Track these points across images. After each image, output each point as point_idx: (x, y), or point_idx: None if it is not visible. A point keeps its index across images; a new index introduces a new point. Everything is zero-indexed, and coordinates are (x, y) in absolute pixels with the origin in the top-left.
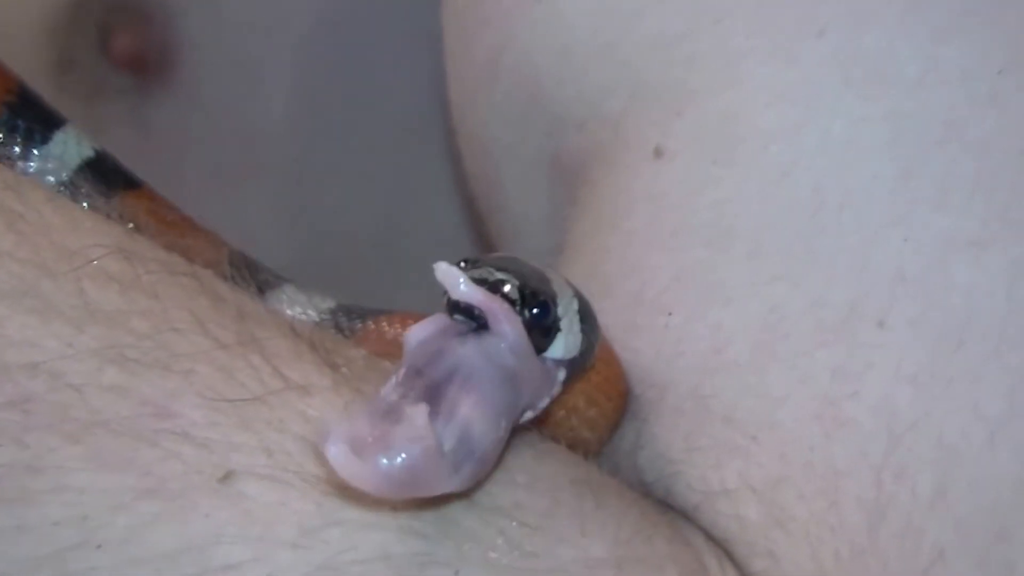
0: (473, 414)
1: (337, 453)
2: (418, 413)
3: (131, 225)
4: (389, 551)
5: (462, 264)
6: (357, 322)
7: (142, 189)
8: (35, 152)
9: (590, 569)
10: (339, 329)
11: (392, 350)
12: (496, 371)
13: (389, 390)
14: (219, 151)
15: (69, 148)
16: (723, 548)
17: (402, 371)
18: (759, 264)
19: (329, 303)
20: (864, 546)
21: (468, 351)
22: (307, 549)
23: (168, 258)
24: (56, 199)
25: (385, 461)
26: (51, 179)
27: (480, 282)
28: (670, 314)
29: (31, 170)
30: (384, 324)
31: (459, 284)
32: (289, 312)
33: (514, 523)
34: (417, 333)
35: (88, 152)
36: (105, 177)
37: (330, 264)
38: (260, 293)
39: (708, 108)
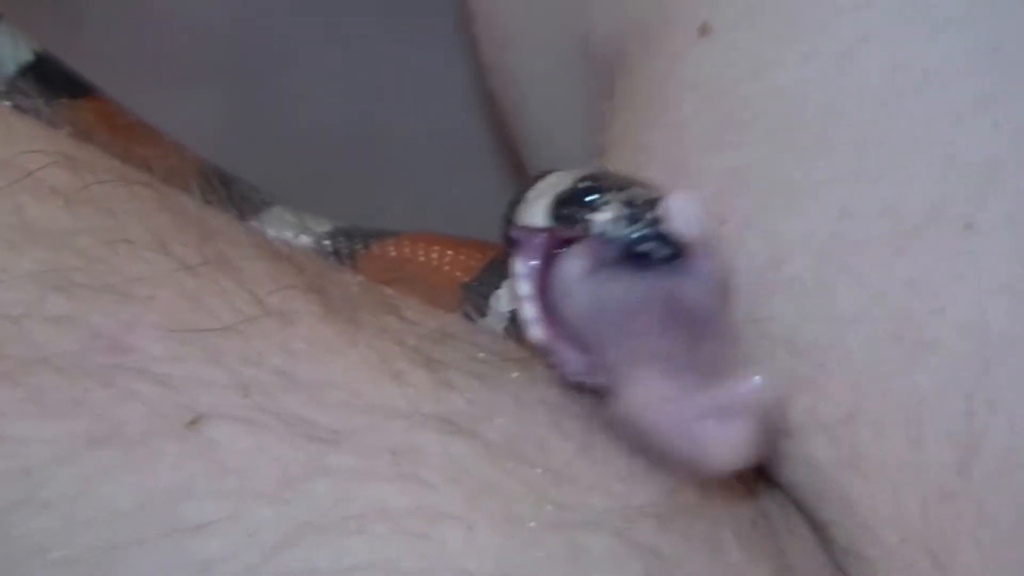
0: None
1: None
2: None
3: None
4: (388, 504)
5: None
6: (359, 246)
7: (92, 96)
8: None
9: (629, 521)
10: (338, 255)
11: (399, 276)
12: None
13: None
14: (161, 46)
15: (4, 51)
16: (788, 495)
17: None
18: (825, 160)
19: (325, 226)
20: (954, 488)
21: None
22: (290, 503)
23: (122, 168)
24: None
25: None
26: None
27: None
28: (721, 223)
29: None
30: (390, 247)
31: (698, 219)
32: (280, 239)
33: (538, 470)
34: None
35: (26, 55)
36: (48, 82)
37: (300, 179)
38: (240, 216)
39: None
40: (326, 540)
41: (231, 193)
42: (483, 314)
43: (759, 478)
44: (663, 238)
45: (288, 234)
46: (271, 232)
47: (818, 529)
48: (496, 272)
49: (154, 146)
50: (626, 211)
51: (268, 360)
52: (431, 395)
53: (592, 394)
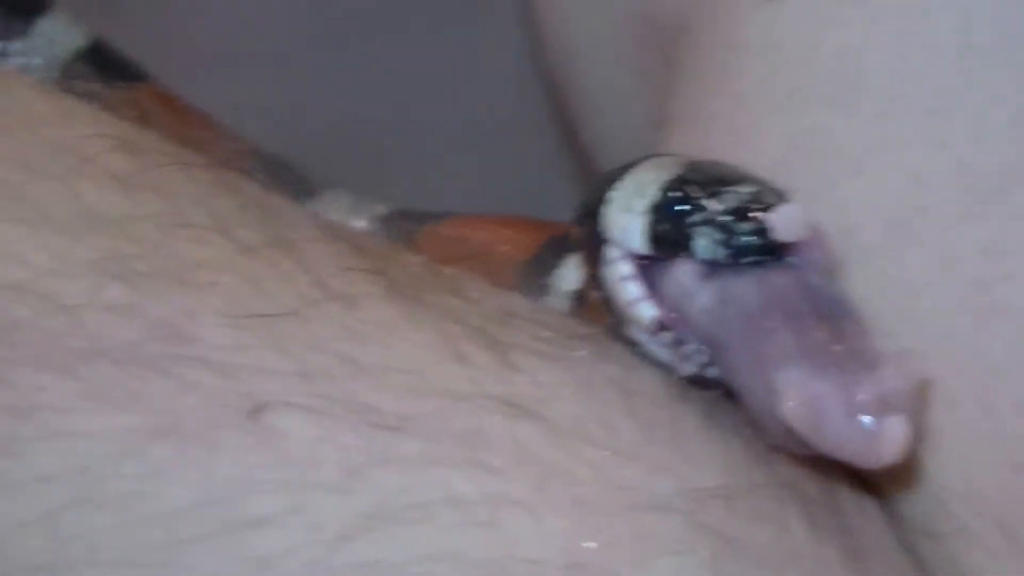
0: None
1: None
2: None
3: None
4: (454, 491)
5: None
6: (414, 227)
7: (147, 82)
8: (15, 45)
9: (697, 502)
10: (397, 237)
11: (454, 256)
12: None
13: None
14: (200, 30)
15: (57, 37)
16: (854, 468)
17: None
18: (894, 124)
19: (381, 208)
20: None
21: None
22: (353, 493)
23: (179, 151)
24: (44, 88)
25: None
26: (38, 76)
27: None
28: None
29: (14, 66)
30: (445, 228)
31: (801, 226)
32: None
33: (605, 452)
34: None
35: (79, 41)
36: (103, 69)
37: (342, 164)
38: (295, 199)
39: None
40: (391, 531)
41: (286, 177)
42: (543, 294)
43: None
44: (768, 248)
45: (344, 216)
46: (327, 215)
47: (887, 506)
48: (554, 252)
49: (209, 130)
50: (721, 234)
51: (332, 345)
52: (496, 377)
53: (703, 386)
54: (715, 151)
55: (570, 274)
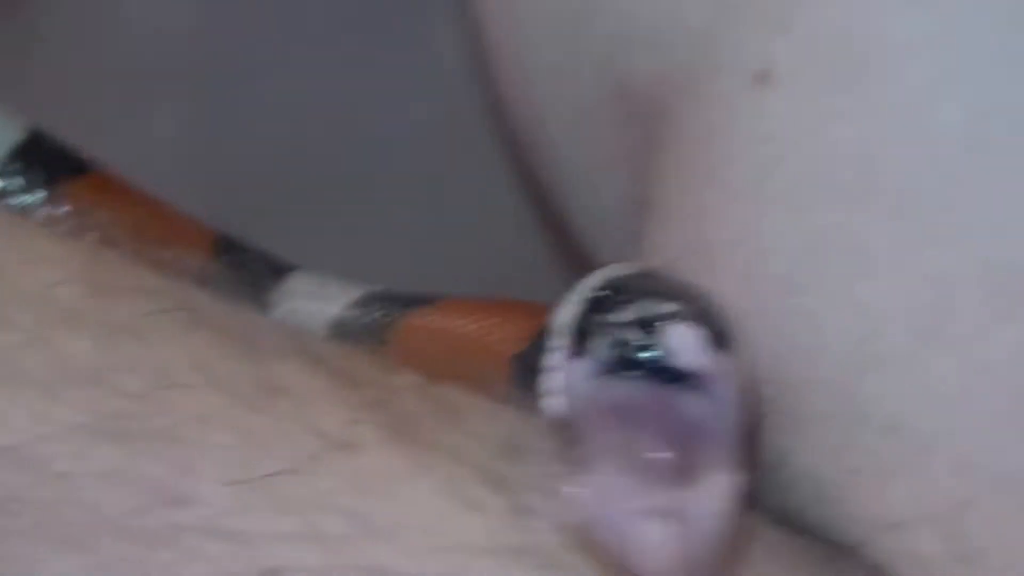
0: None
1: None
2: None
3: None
4: None
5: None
6: (392, 317)
7: (91, 172)
8: None
9: None
10: (369, 329)
11: (440, 349)
12: None
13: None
14: (122, 58)
15: None
16: None
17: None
18: (911, 222)
19: (354, 292)
20: None
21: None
22: None
23: (149, 283)
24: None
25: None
26: None
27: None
28: (800, 294)
29: None
30: (427, 317)
31: (696, 354)
32: (302, 310)
33: None
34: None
35: (18, 134)
36: (45, 162)
37: (262, 211)
38: (260, 290)
39: (824, 17)
40: None
41: (251, 262)
42: (538, 394)
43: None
44: (653, 365)
45: (313, 307)
46: (298, 306)
47: None
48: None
49: (163, 219)
50: (613, 339)
51: (339, 502)
52: (513, 525)
53: None
54: (711, 248)
55: (553, 351)
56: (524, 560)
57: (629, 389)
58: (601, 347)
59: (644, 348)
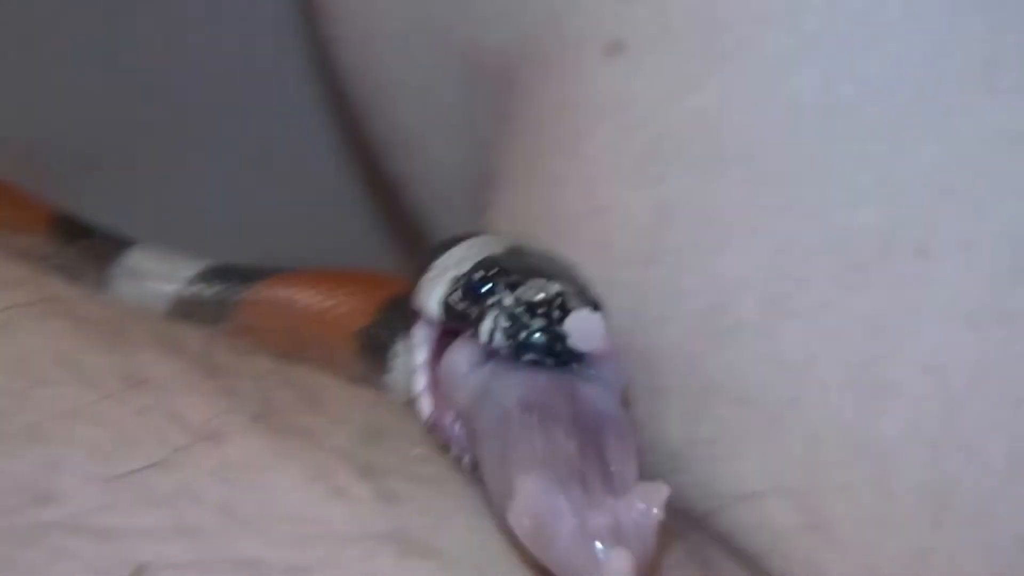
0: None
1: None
2: (652, 488)
3: None
4: None
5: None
6: (234, 292)
7: None
8: None
9: None
10: (214, 303)
11: (284, 324)
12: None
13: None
14: None
15: None
16: (753, 562)
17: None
18: (760, 191)
19: (194, 267)
20: (930, 544)
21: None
22: None
23: (5, 274)
24: None
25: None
26: None
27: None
28: (653, 264)
29: None
30: (268, 291)
31: (597, 337)
32: (144, 287)
33: None
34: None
35: None
36: None
37: (85, 181)
38: (101, 266)
39: None
40: None
41: (91, 239)
42: (385, 369)
43: (716, 547)
44: (553, 351)
45: (152, 283)
46: (139, 283)
47: None
48: (396, 316)
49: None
50: (509, 324)
51: (206, 494)
52: (379, 511)
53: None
54: (566, 221)
55: (422, 343)
56: (391, 546)
57: (533, 378)
58: (491, 329)
59: (541, 331)
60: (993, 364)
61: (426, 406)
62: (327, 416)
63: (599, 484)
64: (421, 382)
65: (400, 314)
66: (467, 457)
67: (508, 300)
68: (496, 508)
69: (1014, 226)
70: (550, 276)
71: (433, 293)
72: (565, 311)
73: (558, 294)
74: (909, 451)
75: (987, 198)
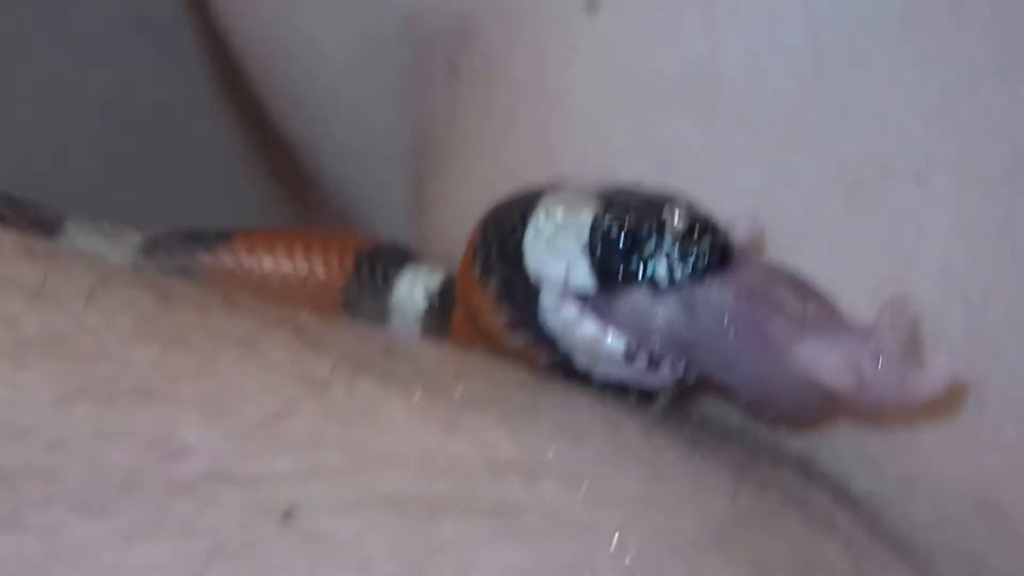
0: None
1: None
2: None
3: None
4: (510, 564)
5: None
6: (195, 259)
7: None
8: None
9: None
10: (176, 268)
11: (261, 290)
12: None
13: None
14: None
15: None
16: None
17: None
18: (759, 128)
19: (136, 236)
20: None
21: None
22: None
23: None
24: None
25: None
26: None
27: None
28: None
29: None
30: (234, 256)
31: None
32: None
33: (625, 499)
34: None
35: None
36: None
37: None
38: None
39: None
40: None
41: (28, 215)
42: (384, 321)
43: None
44: (721, 260)
45: (101, 247)
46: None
47: None
48: (373, 269)
49: None
50: (679, 260)
51: (331, 436)
52: (489, 439)
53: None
54: (559, 163)
55: (415, 293)
56: (515, 472)
57: (720, 281)
58: (665, 272)
59: (711, 249)
60: (1004, 272)
61: (617, 343)
62: (391, 355)
63: (849, 326)
64: (592, 328)
65: (376, 269)
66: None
67: (666, 241)
68: (760, 394)
69: (995, 141)
70: (663, 204)
71: (575, 269)
72: (708, 226)
73: (694, 216)
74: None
75: (973, 124)
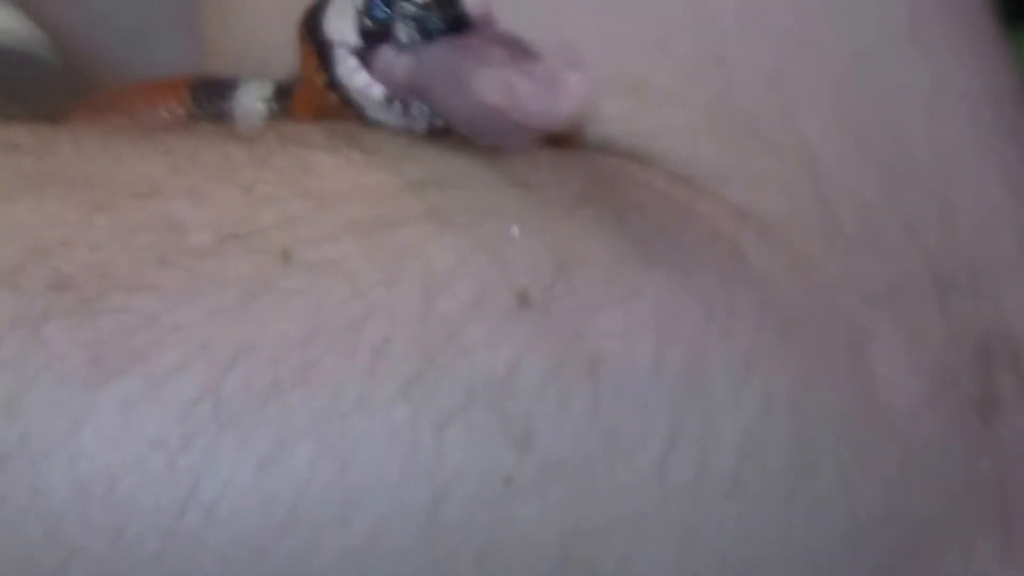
0: None
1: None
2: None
3: None
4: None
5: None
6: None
7: None
8: None
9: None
10: None
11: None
12: None
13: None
14: None
15: None
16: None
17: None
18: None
19: None
20: None
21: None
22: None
23: None
24: None
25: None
26: None
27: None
28: None
29: None
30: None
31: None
32: None
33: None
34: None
35: None
36: None
37: None
38: None
39: None
40: (443, 289)
41: None
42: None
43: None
44: (455, 25)
45: None
46: None
47: None
48: (209, 89)
49: None
50: (415, 22)
51: (287, 192)
52: (400, 168)
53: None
54: None
55: (255, 103)
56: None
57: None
58: (406, 32)
59: (443, 20)
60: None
61: (377, 89)
62: (310, 132)
63: (530, 57)
64: (362, 78)
65: (213, 88)
66: (435, 120)
67: (407, 7)
68: (464, 122)
69: None
70: None
71: (345, 26)
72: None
73: None
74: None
75: None
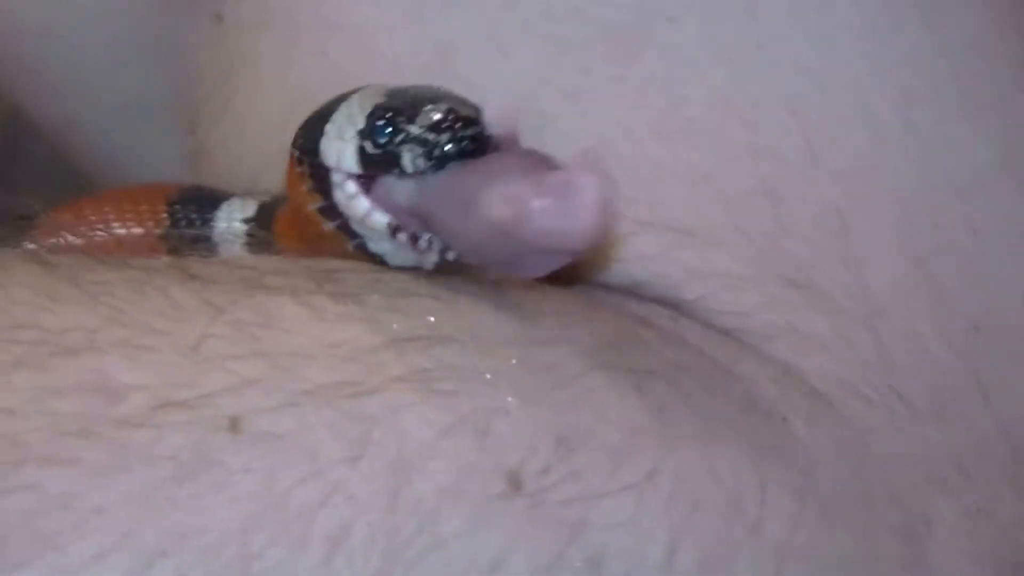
0: None
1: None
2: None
3: None
4: (438, 422)
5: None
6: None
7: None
8: None
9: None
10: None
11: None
12: None
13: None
14: None
15: None
16: None
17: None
18: (528, 5)
19: None
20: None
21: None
22: (366, 459)
23: None
24: None
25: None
26: None
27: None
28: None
29: None
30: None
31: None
32: None
33: (511, 355)
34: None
35: None
36: None
37: None
38: None
39: None
40: (418, 469)
41: None
42: (209, 247)
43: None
44: (466, 151)
45: None
46: None
47: None
48: (188, 210)
49: None
50: (423, 149)
51: (243, 350)
52: (380, 320)
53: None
54: (350, 79)
55: (234, 224)
56: (413, 344)
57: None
58: (411, 159)
59: (452, 142)
60: (755, 85)
61: (381, 217)
62: (282, 275)
63: (542, 168)
64: (364, 204)
65: (191, 205)
66: (448, 253)
67: (414, 131)
68: (471, 246)
69: None
70: (434, 99)
71: (345, 151)
72: (460, 119)
73: (449, 110)
74: (725, 172)
75: None
